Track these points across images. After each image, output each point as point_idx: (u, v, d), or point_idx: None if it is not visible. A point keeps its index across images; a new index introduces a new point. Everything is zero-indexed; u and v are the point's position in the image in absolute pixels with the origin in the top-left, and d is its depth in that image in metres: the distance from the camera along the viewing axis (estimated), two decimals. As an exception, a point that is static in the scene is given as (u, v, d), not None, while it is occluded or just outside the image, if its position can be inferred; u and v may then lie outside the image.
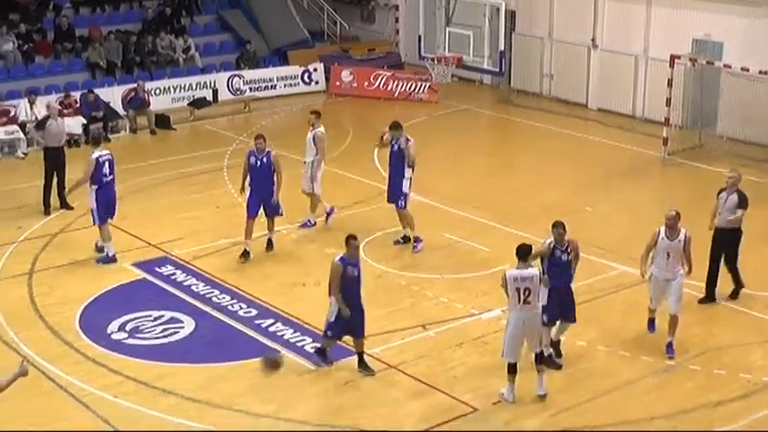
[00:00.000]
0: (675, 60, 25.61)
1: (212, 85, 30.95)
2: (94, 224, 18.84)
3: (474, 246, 19.52)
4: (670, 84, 25.58)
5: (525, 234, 17.89)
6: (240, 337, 15.94)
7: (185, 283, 17.88)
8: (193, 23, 34.02)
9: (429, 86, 31.66)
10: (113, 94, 28.76)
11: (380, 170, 19.95)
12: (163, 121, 28.57)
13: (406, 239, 19.50)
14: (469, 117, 30.29)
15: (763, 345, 15.71)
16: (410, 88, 32.04)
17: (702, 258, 16.44)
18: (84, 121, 26.62)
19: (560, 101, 30.80)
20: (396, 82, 32.27)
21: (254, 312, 16.74)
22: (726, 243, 16.87)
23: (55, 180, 21.41)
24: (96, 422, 13.48)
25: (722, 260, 16.96)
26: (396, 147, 19.17)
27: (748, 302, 17.00)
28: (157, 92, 29.78)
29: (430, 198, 22.00)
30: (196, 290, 17.62)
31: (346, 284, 14.26)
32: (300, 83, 32.84)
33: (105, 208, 18.76)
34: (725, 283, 17.05)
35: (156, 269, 18.50)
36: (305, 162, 20.15)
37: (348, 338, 14.80)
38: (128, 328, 16.18)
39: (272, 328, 16.13)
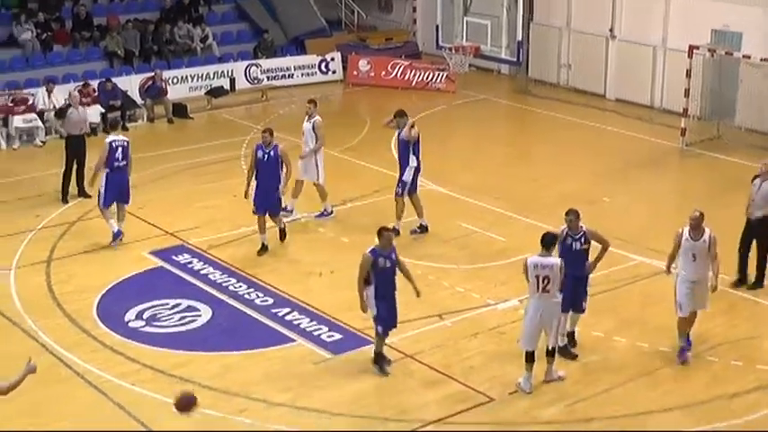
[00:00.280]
0: (694, 51, 25.50)
1: (230, 74, 30.97)
2: (98, 205, 18.99)
3: (491, 236, 19.50)
4: (689, 74, 25.47)
5: (543, 224, 17.83)
6: (257, 326, 15.98)
7: (202, 272, 17.92)
8: (211, 12, 34.06)
9: (446, 76, 31.61)
10: (131, 83, 28.80)
11: (398, 160, 19.93)
12: (180, 110, 28.61)
13: (423, 229, 19.48)
14: (487, 107, 30.24)
15: (781, 336, 15.69)
16: (427, 78, 31.99)
17: (729, 249, 16.38)
18: (102, 110, 26.68)
19: (578, 91, 30.70)
20: (413, 71, 32.22)
21: (270, 301, 16.77)
22: (760, 232, 16.93)
23: (74, 168, 21.53)
24: (114, 410, 13.54)
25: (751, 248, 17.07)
26: (400, 134, 19.17)
27: (767, 294, 16.96)
28: (175, 81, 29.82)
29: (448, 188, 22.00)
30: (213, 278, 17.66)
31: (378, 276, 14.03)
32: (318, 72, 32.84)
33: (116, 193, 18.88)
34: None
35: (173, 257, 18.55)
36: (304, 151, 20.08)
37: (371, 330, 14.69)
38: (145, 316, 16.23)
39: (288, 317, 16.15)
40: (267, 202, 18.47)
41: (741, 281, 17.12)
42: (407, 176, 19.15)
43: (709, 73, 26.84)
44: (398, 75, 32.28)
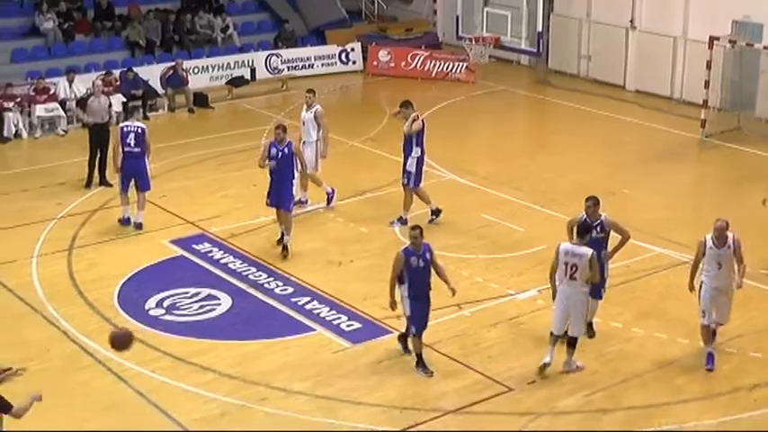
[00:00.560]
0: (715, 42, 25.40)
1: (250, 64, 31.04)
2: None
3: (510, 226, 19.51)
4: (709, 65, 25.38)
5: (562, 215, 17.86)
6: (276, 315, 16.05)
7: (222, 261, 18.01)
8: (232, 2, 34.09)
9: (466, 66, 31.59)
10: (152, 73, 28.88)
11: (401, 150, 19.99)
12: (201, 100, 28.71)
13: (436, 213, 19.48)
14: (506, 97, 30.22)
15: (801, 328, 15.66)
16: (447, 68, 31.98)
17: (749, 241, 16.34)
18: (124, 100, 26.80)
19: (598, 82, 30.64)
20: (433, 62, 32.22)
21: (290, 290, 16.84)
22: None
23: (98, 156, 21.74)
24: (135, 396, 13.65)
25: None
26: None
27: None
28: (196, 70, 29.89)
29: (467, 179, 22.03)
30: (233, 267, 17.74)
31: (411, 275, 13.98)
32: (338, 62, 32.88)
33: (130, 178, 19.23)
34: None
35: (194, 246, 18.64)
36: (305, 142, 20.03)
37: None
38: (165, 304, 16.33)
39: (308, 306, 16.22)
40: (278, 197, 18.35)
41: None
42: (411, 166, 19.18)
43: (729, 64, 26.72)
44: (418, 65, 32.29)
